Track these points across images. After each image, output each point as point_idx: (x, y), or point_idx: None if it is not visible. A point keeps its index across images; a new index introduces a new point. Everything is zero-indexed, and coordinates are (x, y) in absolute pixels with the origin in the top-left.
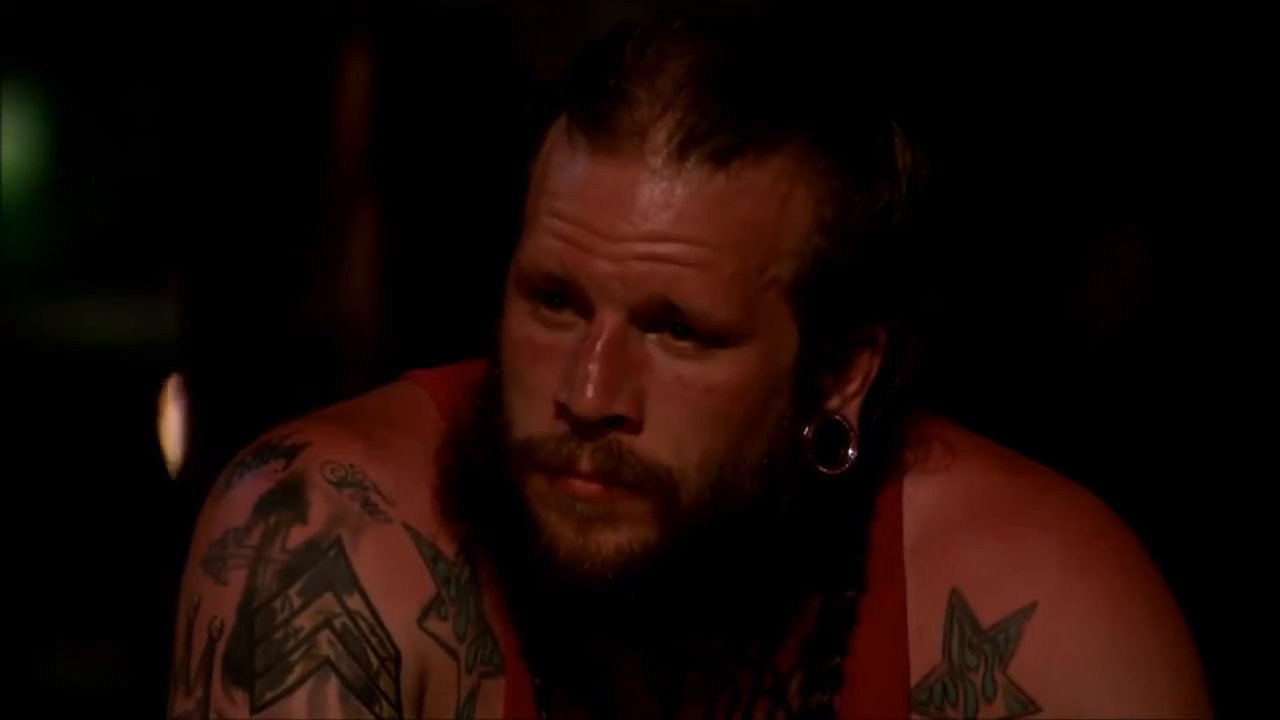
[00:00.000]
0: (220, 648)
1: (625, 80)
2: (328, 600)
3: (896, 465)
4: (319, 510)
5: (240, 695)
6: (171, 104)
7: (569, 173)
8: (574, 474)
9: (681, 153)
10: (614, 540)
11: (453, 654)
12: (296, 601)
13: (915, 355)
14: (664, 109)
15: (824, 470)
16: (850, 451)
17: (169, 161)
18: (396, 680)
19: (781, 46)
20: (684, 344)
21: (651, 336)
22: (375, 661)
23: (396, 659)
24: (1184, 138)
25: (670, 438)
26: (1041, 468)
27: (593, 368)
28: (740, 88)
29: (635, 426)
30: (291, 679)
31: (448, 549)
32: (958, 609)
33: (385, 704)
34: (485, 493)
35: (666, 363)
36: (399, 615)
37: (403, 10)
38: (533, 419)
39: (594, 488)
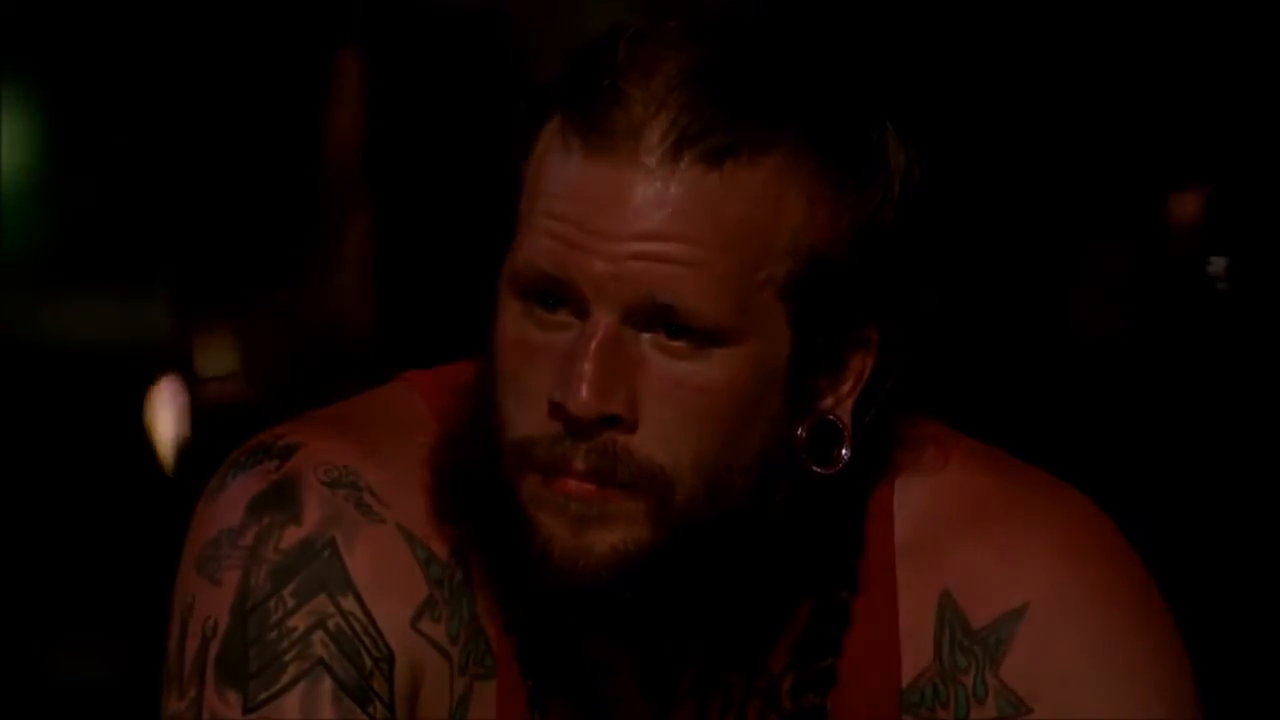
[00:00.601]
0: (213, 648)
1: (620, 80)
2: (321, 601)
3: (889, 466)
4: (312, 511)
5: (233, 696)
6: (167, 104)
7: (563, 173)
8: (569, 474)
9: (675, 153)
10: (609, 540)
11: (445, 655)
12: (290, 602)
13: (908, 356)
14: (658, 109)
15: (817, 470)
16: (844, 451)
17: (163, 162)
18: (390, 681)
19: (775, 47)
20: (678, 344)
21: (646, 336)
22: (369, 662)
23: (390, 660)
24: (1180, 139)
25: (664, 437)
26: (1032, 469)
27: (587, 367)
28: (734, 88)
29: (630, 426)
30: (285, 679)
31: (441, 550)
32: (949, 610)
33: (379, 705)
34: (479, 494)
35: (661, 362)
36: (392, 616)
37: (397, 12)
38: (527, 419)
39: (588, 487)
